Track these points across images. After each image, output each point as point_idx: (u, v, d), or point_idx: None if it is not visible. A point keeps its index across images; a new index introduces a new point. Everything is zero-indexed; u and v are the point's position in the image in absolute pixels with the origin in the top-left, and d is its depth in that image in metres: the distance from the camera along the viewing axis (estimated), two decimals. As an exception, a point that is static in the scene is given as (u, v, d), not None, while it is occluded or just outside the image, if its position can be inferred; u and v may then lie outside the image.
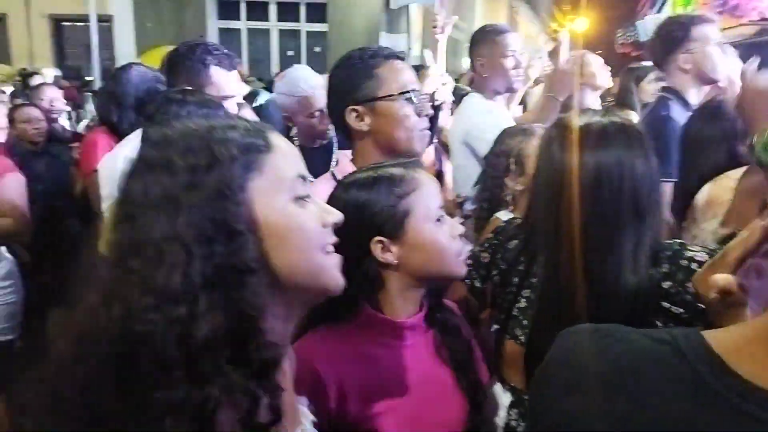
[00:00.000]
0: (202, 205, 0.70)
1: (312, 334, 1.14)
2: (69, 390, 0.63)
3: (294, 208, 0.78)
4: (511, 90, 2.69)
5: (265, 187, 0.75)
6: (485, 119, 2.40)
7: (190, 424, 0.61)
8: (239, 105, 2.25)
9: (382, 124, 1.43)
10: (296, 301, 0.82)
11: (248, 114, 2.75)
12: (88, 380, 0.62)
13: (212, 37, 13.52)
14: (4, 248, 2.66)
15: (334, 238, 0.83)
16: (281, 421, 0.72)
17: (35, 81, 6.29)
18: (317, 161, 2.23)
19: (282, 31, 13.92)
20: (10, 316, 2.67)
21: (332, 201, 1.17)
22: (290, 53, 14.12)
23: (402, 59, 1.48)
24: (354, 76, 1.44)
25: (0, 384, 0.71)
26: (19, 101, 4.60)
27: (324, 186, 1.30)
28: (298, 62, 13.53)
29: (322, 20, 12.90)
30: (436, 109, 2.56)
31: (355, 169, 1.43)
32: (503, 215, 1.79)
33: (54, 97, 4.28)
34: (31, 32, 13.83)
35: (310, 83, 2.45)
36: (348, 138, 1.51)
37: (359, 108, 1.43)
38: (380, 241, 1.13)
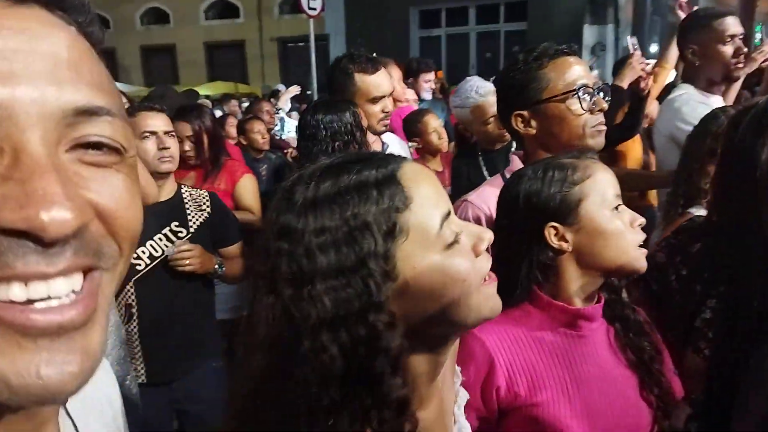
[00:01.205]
0: (343, 284, 0.66)
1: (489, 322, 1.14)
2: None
3: (444, 258, 0.70)
4: (729, 79, 2.35)
5: (411, 248, 0.68)
6: (695, 113, 2.10)
7: None
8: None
9: (549, 126, 1.37)
10: (447, 338, 0.77)
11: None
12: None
13: (414, 46, 14.24)
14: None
15: (489, 262, 0.76)
16: None
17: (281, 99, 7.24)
18: (500, 163, 2.23)
19: (480, 34, 14.02)
20: (237, 297, 3.05)
21: (504, 193, 1.18)
22: (489, 55, 14.16)
23: (572, 54, 1.40)
24: (518, 81, 1.40)
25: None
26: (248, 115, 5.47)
27: (494, 189, 1.29)
28: (497, 65, 13.57)
29: (522, 19, 12.71)
30: (640, 99, 2.37)
31: None
32: (696, 211, 1.56)
33: (270, 111, 4.99)
34: (263, 54, 16.20)
35: (481, 92, 2.45)
36: (519, 142, 1.50)
37: (524, 113, 1.39)
38: (554, 227, 1.10)
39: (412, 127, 2.97)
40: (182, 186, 2.19)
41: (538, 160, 1.22)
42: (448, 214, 0.72)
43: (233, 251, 2.20)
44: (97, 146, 0.37)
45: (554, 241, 1.10)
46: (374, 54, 3.46)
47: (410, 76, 4.35)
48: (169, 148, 2.03)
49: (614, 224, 1.09)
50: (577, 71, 1.37)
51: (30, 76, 0.34)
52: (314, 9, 8.93)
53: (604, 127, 1.39)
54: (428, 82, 4.39)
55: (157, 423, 2.05)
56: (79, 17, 0.40)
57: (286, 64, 16.55)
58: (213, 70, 17.22)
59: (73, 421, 0.51)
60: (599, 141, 1.38)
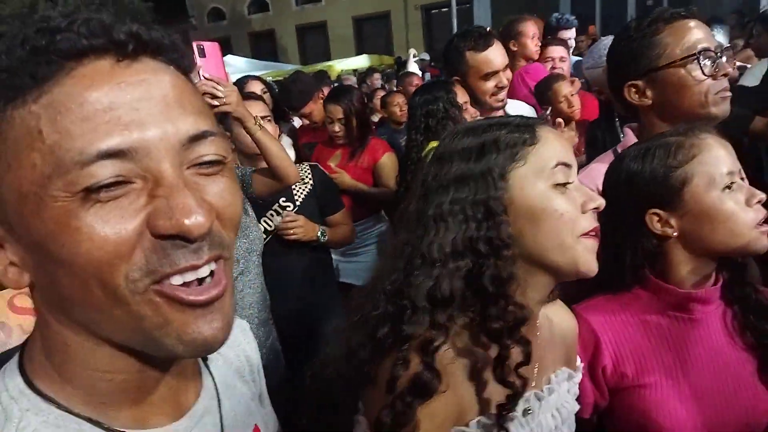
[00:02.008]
0: (468, 189, 0.85)
1: (594, 299, 1.14)
2: (360, 326, 0.87)
3: (551, 193, 0.84)
4: None
5: (527, 174, 0.84)
6: None
7: (416, 353, 0.80)
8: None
9: (667, 95, 1.27)
10: (547, 277, 0.88)
11: None
12: (371, 318, 0.86)
13: (564, 1, 13.34)
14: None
15: (594, 224, 0.86)
16: (529, 364, 0.83)
17: (409, 65, 7.36)
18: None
19: (641, -16, 12.69)
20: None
21: (608, 175, 1.14)
22: (650, 2, 12.77)
23: (691, 17, 1.29)
24: (630, 49, 1.31)
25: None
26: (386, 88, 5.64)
27: (603, 167, 1.23)
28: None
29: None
30: None
31: None
32: None
33: (418, 83, 5.06)
34: (408, 24, 16.36)
35: None
36: (633, 115, 1.41)
37: (638, 82, 1.30)
38: (656, 213, 1.06)
39: (542, 95, 2.89)
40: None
41: (643, 140, 1.16)
42: (567, 165, 0.85)
43: (337, 218, 2.37)
44: (206, 161, 0.49)
45: (657, 228, 1.06)
46: (509, 19, 3.39)
47: (548, 34, 4.15)
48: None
49: (725, 206, 1.01)
50: (696, 34, 1.25)
51: (153, 120, 0.46)
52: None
53: (729, 93, 1.27)
54: (568, 39, 4.14)
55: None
56: (174, 55, 0.51)
57: (429, 32, 16.54)
58: (360, 44, 17.81)
59: (213, 377, 0.67)
60: (724, 108, 1.26)
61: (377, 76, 7.62)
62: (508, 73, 2.15)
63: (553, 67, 3.27)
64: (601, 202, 0.86)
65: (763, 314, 1.09)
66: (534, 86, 2.97)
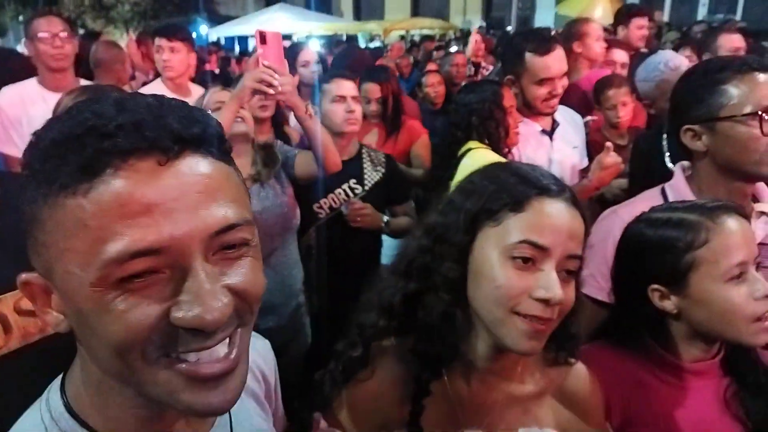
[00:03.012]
0: (446, 225, 0.89)
1: (596, 348, 1.13)
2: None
3: (503, 262, 0.82)
4: None
5: (493, 236, 0.84)
6: None
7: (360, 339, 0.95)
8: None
9: (722, 146, 1.25)
10: (491, 337, 0.88)
11: None
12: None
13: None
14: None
15: (536, 311, 0.81)
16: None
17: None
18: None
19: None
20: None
21: (624, 232, 1.13)
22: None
23: (762, 70, 1.21)
24: (694, 91, 1.29)
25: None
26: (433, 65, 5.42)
27: (649, 205, 1.21)
28: (735, 3, 11.42)
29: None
30: None
31: (688, 188, 1.33)
32: None
33: (460, 63, 4.89)
34: (467, -12, 15.85)
35: (671, 65, 2.17)
36: (687, 154, 1.37)
37: (696, 127, 1.28)
38: (659, 289, 1.05)
39: (596, 94, 2.82)
40: (363, 147, 2.42)
41: (671, 204, 1.15)
42: (536, 246, 0.82)
43: (402, 209, 2.42)
44: (232, 245, 0.53)
45: (657, 302, 1.06)
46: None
47: (620, 23, 3.95)
48: (354, 112, 2.26)
49: (728, 298, 0.99)
50: (763, 90, 1.20)
51: (187, 218, 0.49)
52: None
53: None
54: (641, 29, 3.82)
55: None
56: (213, 147, 0.54)
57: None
58: (417, 3, 17.37)
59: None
60: None
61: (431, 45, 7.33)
62: (564, 81, 2.09)
63: (614, 72, 3.12)
64: (556, 296, 0.80)
65: (758, 393, 1.08)
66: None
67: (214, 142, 0.53)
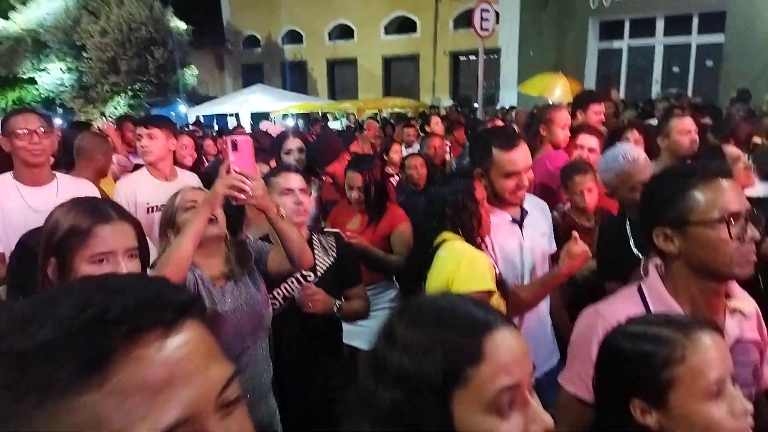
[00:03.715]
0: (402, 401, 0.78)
1: None
2: None
3: (497, 423, 0.76)
4: None
5: (467, 401, 0.76)
6: None
7: None
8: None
9: (694, 249, 1.31)
10: None
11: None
12: None
13: (591, 59, 13.59)
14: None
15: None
16: None
17: (432, 124, 7.36)
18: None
19: (668, 47, 12.89)
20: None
21: (604, 346, 1.15)
22: (676, 70, 12.96)
23: (726, 176, 1.32)
24: (663, 195, 1.36)
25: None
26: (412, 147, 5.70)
27: (628, 307, 1.28)
28: (686, 81, 12.36)
29: (719, 30, 11.40)
30: None
31: (664, 289, 1.37)
32: None
33: (438, 145, 5.16)
34: (435, 68, 16.71)
35: (629, 157, 2.35)
36: (659, 255, 1.41)
37: (667, 230, 1.34)
38: (639, 404, 1.05)
39: (563, 179, 2.97)
40: (313, 234, 2.49)
41: (645, 317, 1.19)
42: (513, 388, 0.77)
43: (355, 292, 2.48)
44: (230, 402, 0.55)
45: (639, 418, 1.06)
46: (533, 110, 3.50)
47: (578, 108, 4.24)
48: (302, 203, 2.34)
49: (709, 418, 1.00)
50: (729, 196, 1.29)
51: (199, 383, 0.49)
52: (486, 29, 9.05)
53: (755, 258, 1.33)
54: (598, 114, 4.09)
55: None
56: (203, 312, 0.56)
57: (456, 77, 16.86)
58: (388, 83, 18.18)
59: None
60: (747, 271, 1.32)
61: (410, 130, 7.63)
62: (530, 174, 2.23)
63: (580, 157, 3.24)
64: (546, 425, 0.78)
65: None
66: (559, 170, 3.06)
67: (204, 309, 0.56)
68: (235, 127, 10.71)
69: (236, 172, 1.76)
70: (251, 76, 20.15)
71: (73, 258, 1.41)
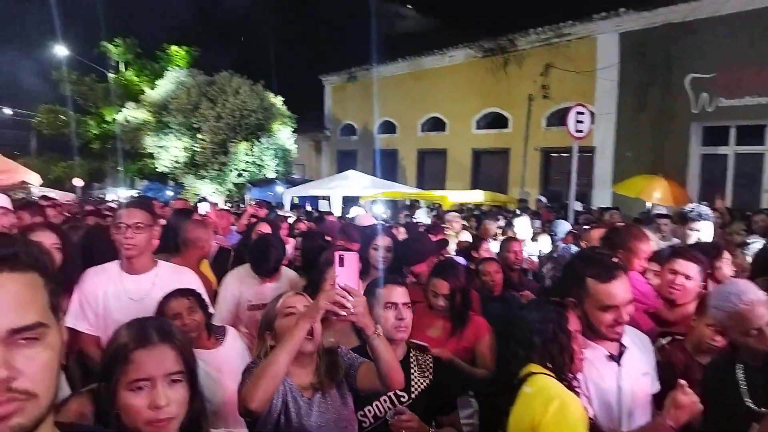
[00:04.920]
0: None
1: None
2: None
3: None
4: None
5: None
6: None
7: None
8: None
9: None
10: None
11: None
12: None
13: (693, 163, 13.03)
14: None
15: None
16: None
17: (517, 225, 7.19)
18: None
19: (779, 154, 12.12)
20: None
21: None
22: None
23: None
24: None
25: None
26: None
27: None
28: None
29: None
30: None
31: None
32: None
33: (518, 251, 4.98)
34: (526, 162, 16.70)
35: (745, 299, 2.08)
36: None
37: None
38: None
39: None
40: (411, 351, 2.42)
41: None
42: None
43: (450, 420, 2.35)
44: None
45: None
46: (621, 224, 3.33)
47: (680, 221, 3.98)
48: (404, 319, 2.31)
49: None
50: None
51: None
52: (581, 131, 8.98)
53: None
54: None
55: None
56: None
57: (546, 172, 16.72)
58: (477, 175, 18.37)
59: None
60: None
61: (489, 222, 7.58)
62: (630, 308, 2.06)
63: (671, 286, 2.90)
64: None
65: None
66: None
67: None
68: (326, 212, 11.13)
69: (340, 287, 1.79)
70: (345, 161, 21.19)
71: (117, 383, 1.35)
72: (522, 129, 16.79)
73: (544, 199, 13.49)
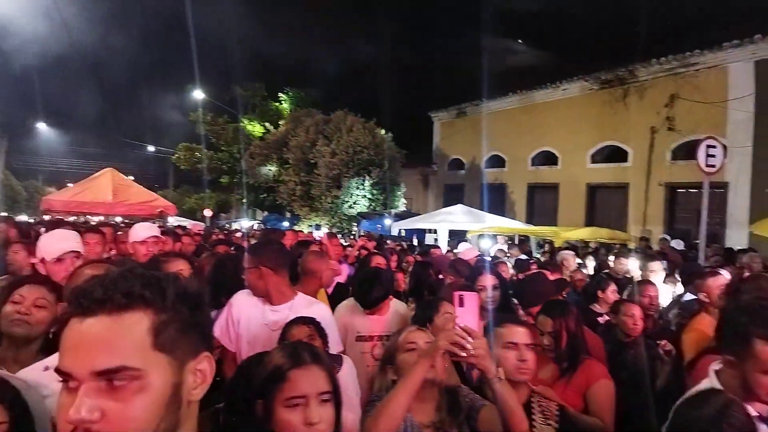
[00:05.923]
0: None
1: None
2: None
3: None
4: None
5: None
6: None
7: None
8: None
9: None
10: None
11: None
12: None
13: None
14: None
15: None
16: None
17: (651, 267, 6.66)
18: None
19: None
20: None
21: None
22: None
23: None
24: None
25: None
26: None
27: None
28: None
29: None
30: None
31: None
32: None
33: (654, 295, 4.59)
34: (648, 198, 15.62)
35: None
36: None
37: None
38: None
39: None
40: (535, 395, 2.31)
41: None
42: None
43: None
44: None
45: None
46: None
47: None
48: (526, 360, 2.22)
49: None
50: None
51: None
52: (712, 166, 8.28)
53: None
54: None
55: None
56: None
57: (671, 210, 15.51)
58: (591, 211, 17.49)
59: None
60: None
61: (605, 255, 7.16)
62: None
63: None
64: None
65: None
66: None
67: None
68: (432, 245, 11.15)
69: (460, 327, 1.77)
70: (452, 195, 21.18)
71: (273, 400, 1.46)
72: (643, 163, 15.79)
73: (669, 238, 12.50)
